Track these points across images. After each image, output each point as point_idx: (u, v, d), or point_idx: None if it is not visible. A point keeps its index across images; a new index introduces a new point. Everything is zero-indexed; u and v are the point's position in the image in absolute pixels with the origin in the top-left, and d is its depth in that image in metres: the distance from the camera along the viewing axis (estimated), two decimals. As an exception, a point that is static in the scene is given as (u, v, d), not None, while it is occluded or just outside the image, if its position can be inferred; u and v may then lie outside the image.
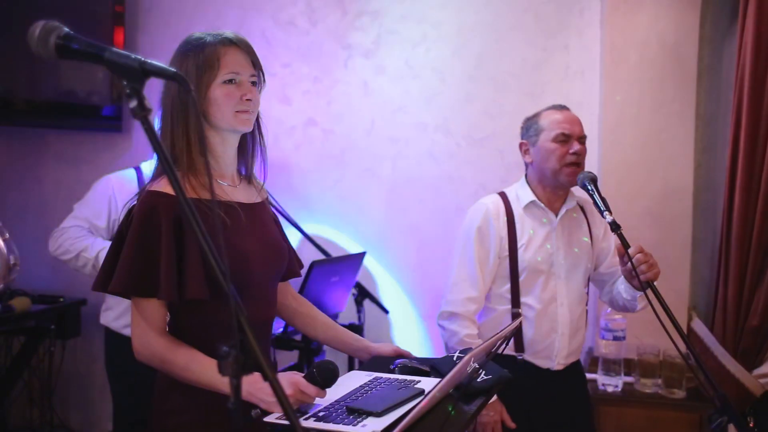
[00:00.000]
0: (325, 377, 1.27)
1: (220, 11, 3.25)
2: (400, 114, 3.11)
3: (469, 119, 3.06)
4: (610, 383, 2.60)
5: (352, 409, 1.24)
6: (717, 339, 2.61)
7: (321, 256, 2.68)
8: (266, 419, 1.22)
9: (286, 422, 1.21)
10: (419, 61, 3.08)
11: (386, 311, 2.84)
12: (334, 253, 2.84)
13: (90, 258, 2.27)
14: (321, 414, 1.24)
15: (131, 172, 2.45)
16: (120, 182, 2.40)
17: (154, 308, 1.33)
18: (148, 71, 0.94)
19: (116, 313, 2.42)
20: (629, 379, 2.66)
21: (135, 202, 1.36)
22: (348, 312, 2.79)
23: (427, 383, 1.42)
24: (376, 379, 1.47)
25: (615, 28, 2.79)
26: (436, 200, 3.10)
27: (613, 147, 2.73)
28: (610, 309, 2.55)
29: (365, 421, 1.19)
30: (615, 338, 2.59)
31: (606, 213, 1.80)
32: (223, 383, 1.28)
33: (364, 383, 1.43)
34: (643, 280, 1.77)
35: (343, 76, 3.15)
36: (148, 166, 2.48)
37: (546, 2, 2.96)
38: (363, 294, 2.75)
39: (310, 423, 1.20)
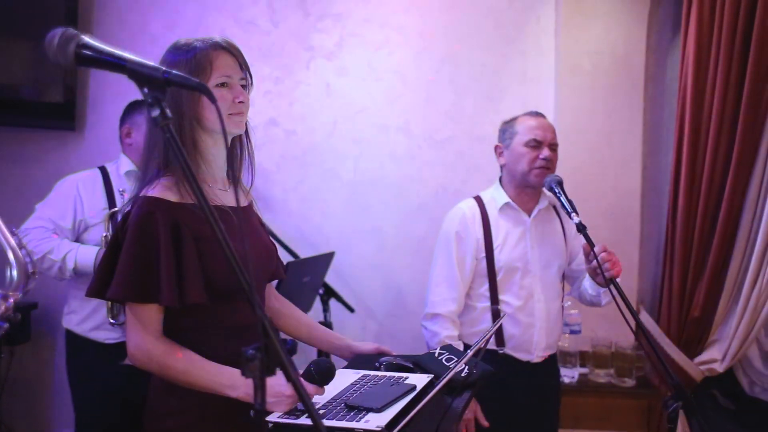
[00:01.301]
0: (323, 375, 1.31)
1: (177, 8, 3.20)
2: (363, 115, 3.16)
3: (430, 121, 3.14)
4: (567, 374, 2.74)
5: (352, 406, 1.29)
6: (663, 330, 2.79)
7: (288, 257, 2.70)
8: (268, 419, 1.25)
9: (288, 421, 1.25)
10: (382, 64, 3.14)
11: (352, 310, 2.89)
12: (298, 254, 2.86)
13: (56, 260, 2.21)
14: (321, 411, 1.28)
15: (95, 173, 2.40)
16: (85, 183, 2.34)
17: (151, 313, 1.33)
18: (171, 81, 0.96)
19: (80, 316, 2.36)
20: (584, 370, 2.81)
21: (129, 208, 1.35)
22: (314, 311, 2.82)
23: (415, 379, 1.47)
24: (364, 376, 1.52)
25: (569, 37, 2.93)
26: (397, 200, 3.16)
27: (568, 150, 2.85)
28: (568, 303, 2.69)
29: (367, 417, 1.24)
30: (572, 332, 2.73)
31: (573, 214, 1.90)
32: (223, 386, 1.30)
33: (355, 381, 1.48)
34: (607, 277, 1.88)
35: (306, 77, 3.17)
36: (114, 167, 2.43)
37: (504, 9, 3.07)
38: (329, 293, 2.79)
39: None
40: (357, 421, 1.22)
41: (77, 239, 2.32)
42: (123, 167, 2.41)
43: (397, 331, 3.18)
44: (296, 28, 3.16)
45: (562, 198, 1.97)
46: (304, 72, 3.17)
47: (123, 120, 2.44)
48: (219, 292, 1.36)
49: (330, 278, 2.88)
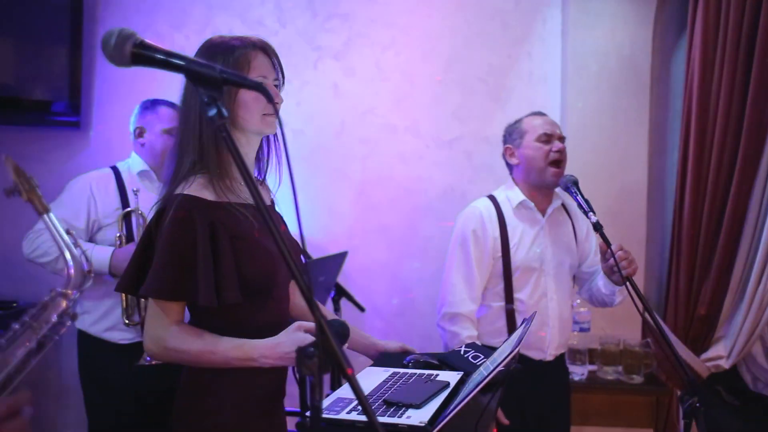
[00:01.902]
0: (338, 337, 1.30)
1: (184, 8, 3.19)
2: (370, 116, 3.17)
3: (437, 122, 3.16)
4: (577, 371, 2.77)
5: (391, 403, 1.30)
6: (669, 327, 2.83)
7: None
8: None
9: (329, 416, 1.26)
10: (389, 64, 3.15)
11: (363, 309, 2.89)
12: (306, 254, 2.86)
13: (71, 261, 2.20)
14: (358, 408, 1.29)
15: (108, 172, 2.39)
16: (98, 183, 2.33)
17: (179, 309, 1.35)
18: (229, 81, 0.97)
19: (94, 317, 2.34)
20: (592, 367, 2.84)
21: (163, 205, 1.35)
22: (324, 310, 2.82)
23: (446, 376, 1.49)
24: (395, 374, 1.53)
25: (576, 39, 2.96)
26: (405, 201, 3.18)
27: (575, 150, 2.87)
28: (577, 302, 2.72)
29: (408, 413, 1.25)
30: (581, 330, 2.76)
31: (591, 213, 1.93)
32: (240, 359, 1.30)
33: (386, 378, 1.49)
34: (624, 276, 1.91)
35: (313, 77, 3.18)
36: (126, 167, 2.42)
37: (511, 11, 3.10)
38: (340, 293, 2.79)
39: (353, 416, 1.25)
40: (399, 417, 1.23)
41: (90, 239, 2.31)
42: (136, 167, 2.40)
43: (405, 330, 3.20)
44: (303, 29, 3.17)
45: (579, 198, 1.99)
46: (311, 72, 3.18)
47: (135, 119, 2.43)
48: (252, 290, 1.37)
49: (339, 277, 2.89)
